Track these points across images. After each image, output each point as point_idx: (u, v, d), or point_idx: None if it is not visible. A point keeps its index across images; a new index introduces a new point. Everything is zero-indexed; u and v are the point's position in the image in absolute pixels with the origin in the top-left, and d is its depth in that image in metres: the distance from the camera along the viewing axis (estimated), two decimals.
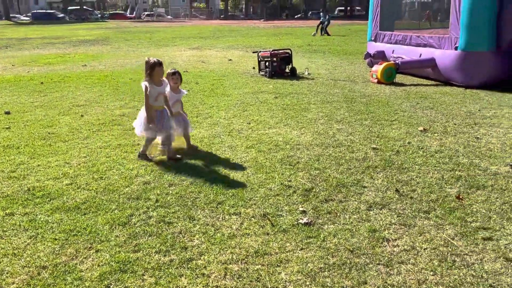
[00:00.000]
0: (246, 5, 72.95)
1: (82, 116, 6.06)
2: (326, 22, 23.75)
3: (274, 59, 9.40)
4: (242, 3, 75.75)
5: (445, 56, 8.13)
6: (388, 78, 8.48)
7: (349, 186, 3.55)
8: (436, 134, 5.00)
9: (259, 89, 7.99)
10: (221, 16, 69.22)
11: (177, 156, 4.23)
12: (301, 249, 2.61)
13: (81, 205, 3.23)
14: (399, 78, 8.86)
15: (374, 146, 4.59)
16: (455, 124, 5.44)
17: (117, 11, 72.04)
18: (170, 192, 3.45)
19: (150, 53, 14.85)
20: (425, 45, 8.77)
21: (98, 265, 2.46)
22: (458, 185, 3.53)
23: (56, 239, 2.75)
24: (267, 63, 9.47)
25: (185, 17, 67.33)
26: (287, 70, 9.61)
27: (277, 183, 3.62)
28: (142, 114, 4.17)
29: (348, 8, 66.86)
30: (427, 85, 8.28)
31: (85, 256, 2.56)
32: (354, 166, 4.00)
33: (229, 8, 75.56)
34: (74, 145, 4.74)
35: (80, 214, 3.09)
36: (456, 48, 7.87)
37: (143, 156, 4.21)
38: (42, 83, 8.88)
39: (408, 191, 3.44)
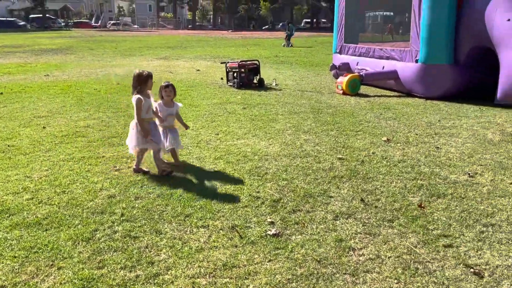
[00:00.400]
0: (214, 15, 73.14)
1: (44, 128, 5.87)
2: (289, 33, 24.42)
3: (242, 70, 9.47)
4: (210, 14, 75.91)
5: (406, 68, 8.43)
6: (353, 90, 8.70)
7: (316, 196, 3.61)
8: (399, 144, 5.16)
9: (228, 99, 8.01)
10: (189, 26, 69.07)
11: (168, 169, 4.13)
12: (269, 260, 2.62)
13: (42, 221, 3.11)
14: (363, 89, 9.11)
15: (340, 156, 4.68)
16: (416, 134, 5.63)
17: (81, 20, 70.42)
18: (136, 205, 3.39)
19: (116, 63, 14.61)
20: (387, 58, 9.07)
21: (60, 283, 2.37)
22: (420, 194, 3.65)
23: (15, 257, 2.64)
24: (235, 74, 9.51)
25: (152, 27, 66.68)
26: (255, 81, 9.69)
27: (246, 194, 3.62)
28: (134, 130, 4.03)
29: (315, 20, 68.33)
30: (390, 96, 8.55)
31: (46, 274, 2.46)
32: (321, 176, 4.06)
33: (197, 18, 75.50)
34: (36, 158, 4.58)
35: (41, 230, 2.98)
36: (416, 61, 8.19)
37: (139, 170, 4.11)
38: (1, 93, 8.55)
39: (373, 200, 3.52)
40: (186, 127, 4.48)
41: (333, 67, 10.52)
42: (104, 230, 2.99)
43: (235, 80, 9.44)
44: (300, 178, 4.00)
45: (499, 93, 7.15)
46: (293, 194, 3.64)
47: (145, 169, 4.17)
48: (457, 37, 7.88)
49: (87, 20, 70.63)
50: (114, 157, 4.60)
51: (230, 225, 3.07)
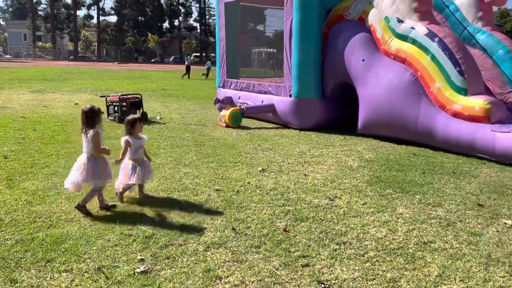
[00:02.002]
0: (98, 46, 70.34)
1: None
2: (208, 66, 25.97)
3: (124, 103, 9.27)
4: (94, 45, 72.84)
5: (282, 102, 9.12)
6: (235, 122, 9.08)
7: (190, 229, 3.67)
8: (272, 173, 5.52)
9: (107, 134, 7.73)
10: (71, 57, 65.32)
11: (111, 203, 4.20)
12: None
13: None
14: (246, 121, 9.57)
15: (218, 187, 4.84)
16: (289, 163, 6.09)
17: None
18: None
19: None
20: (265, 92, 9.71)
21: None
22: (286, 219, 3.94)
23: None
24: (116, 108, 9.26)
25: (27, 57, 61.52)
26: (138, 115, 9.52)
27: (117, 233, 3.53)
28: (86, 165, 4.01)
29: (204, 54, 69.94)
30: (269, 128, 9.10)
31: None
32: (196, 209, 4.15)
33: (79, 49, 71.84)
34: None
35: None
36: (290, 96, 8.91)
37: (105, 206, 4.09)
38: None
39: (244, 228, 3.71)
40: (149, 159, 4.57)
41: (217, 100, 10.88)
42: None
43: (116, 114, 9.19)
44: (176, 212, 4.03)
45: (359, 125, 8.10)
46: (167, 228, 3.66)
47: (110, 204, 4.18)
48: (324, 74, 8.81)
49: None
50: None
51: (96, 266, 2.96)
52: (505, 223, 3.93)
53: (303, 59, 8.64)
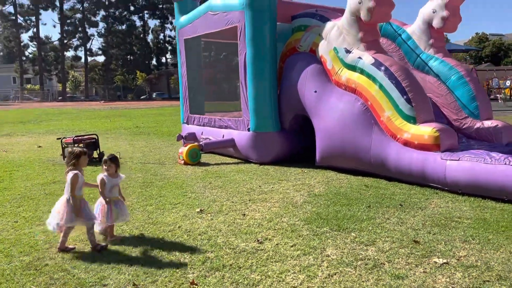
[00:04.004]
0: (86, 86, 70.76)
1: None
2: None
3: (79, 145, 9.03)
4: (83, 85, 73.29)
5: (241, 136, 8.92)
6: (193, 159, 8.84)
7: (88, 285, 3.35)
8: (210, 215, 5.23)
9: (54, 179, 7.45)
10: (59, 98, 65.54)
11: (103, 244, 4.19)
12: None
13: None
14: (208, 158, 9.34)
15: (142, 234, 4.55)
16: (232, 202, 5.81)
17: None
18: None
19: None
20: (226, 127, 9.53)
21: None
22: (201, 269, 3.64)
23: None
24: None
25: (15, 100, 61.58)
26: (95, 156, 9.29)
27: None
28: (64, 206, 4.07)
29: None
30: (229, 163, 8.86)
31: None
32: (105, 260, 3.83)
33: (69, 89, 72.23)
34: None
35: None
36: (249, 130, 8.73)
37: (65, 249, 4.07)
38: None
39: (149, 283, 3.39)
40: (123, 198, 4.53)
41: (180, 137, 10.67)
42: None
43: None
44: (82, 267, 3.72)
45: (317, 157, 7.89)
46: (65, 285, 3.34)
47: (71, 246, 4.13)
48: (281, 107, 8.67)
49: None
50: None
51: None
52: (436, 262, 3.66)
53: (258, 92, 8.52)
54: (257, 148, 8.66)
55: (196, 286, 3.31)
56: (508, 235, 4.28)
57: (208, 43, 12.22)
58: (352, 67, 7.31)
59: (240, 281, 3.39)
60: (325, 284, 3.31)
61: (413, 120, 6.53)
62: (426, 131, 6.30)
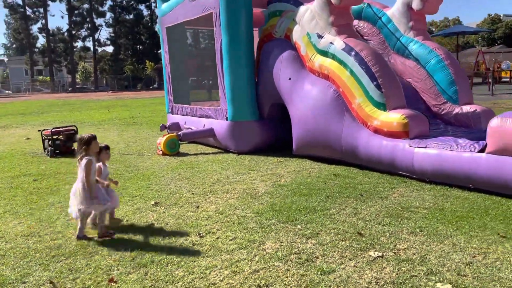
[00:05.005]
0: (95, 77, 71.17)
1: None
2: None
3: (58, 137, 9.02)
4: (93, 75, 73.69)
5: (220, 126, 8.78)
6: (171, 150, 8.74)
7: (8, 283, 3.29)
8: (163, 207, 5.13)
9: (26, 171, 7.45)
10: (69, 89, 66.11)
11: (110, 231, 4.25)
12: None
13: None
14: (189, 148, 9.24)
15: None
16: (193, 194, 5.70)
17: None
18: None
19: None
20: (206, 116, 9.39)
21: None
22: (127, 265, 3.54)
23: None
24: (50, 142, 9.01)
25: (26, 92, 62.38)
26: (75, 147, 9.26)
27: None
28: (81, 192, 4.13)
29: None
30: (207, 153, 8.73)
31: None
32: (37, 257, 3.77)
33: (79, 80, 72.79)
34: None
35: None
36: (227, 119, 8.58)
37: (84, 237, 4.16)
38: None
39: (70, 280, 3.32)
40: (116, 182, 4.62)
41: (163, 127, 10.57)
42: None
43: (50, 148, 8.92)
44: (10, 264, 3.66)
45: (294, 146, 7.71)
46: None
47: (90, 236, 4.19)
48: (259, 95, 8.49)
49: None
50: None
51: None
52: (370, 256, 3.49)
53: (235, 80, 8.33)
54: (235, 138, 8.51)
55: (115, 284, 3.22)
56: (459, 226, 4.08)
57: (194, 31, 12.03)
58: (324, 53, 7.06)
59: (161, 278, 3.29)
60: (246, 280, 3.19)
61: (383, 106, 6.29)
62: (395, 118, 6.06)
